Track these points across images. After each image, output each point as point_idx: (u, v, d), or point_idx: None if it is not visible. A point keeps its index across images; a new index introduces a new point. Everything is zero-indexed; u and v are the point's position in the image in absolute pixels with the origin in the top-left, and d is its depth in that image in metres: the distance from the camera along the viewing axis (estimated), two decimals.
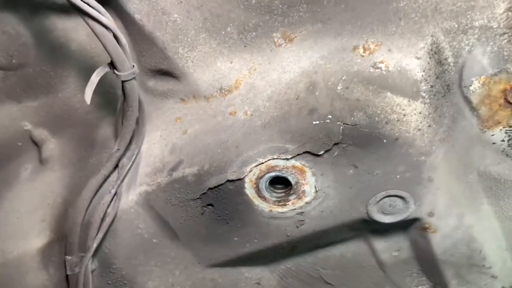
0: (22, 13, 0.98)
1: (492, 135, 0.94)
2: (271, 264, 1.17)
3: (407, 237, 1.07)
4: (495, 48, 0.85)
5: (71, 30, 1.01)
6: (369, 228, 1.05)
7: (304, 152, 0.88)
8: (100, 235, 0.94)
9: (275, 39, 0.96)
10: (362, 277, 1.18)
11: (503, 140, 0.95)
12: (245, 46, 0.97)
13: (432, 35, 0.84)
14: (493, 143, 0.95)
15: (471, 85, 0.88)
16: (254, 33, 0.96)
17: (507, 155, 0.97)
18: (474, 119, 0.93)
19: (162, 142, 0.99)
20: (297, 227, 0.99)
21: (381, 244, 1.10)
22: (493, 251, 1.07)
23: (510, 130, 0.93)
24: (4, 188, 1.19)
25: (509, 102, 0.90)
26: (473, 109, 0.91)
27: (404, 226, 1.03)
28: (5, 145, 1.18)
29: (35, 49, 1.03)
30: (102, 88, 1.09)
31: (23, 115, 1.14)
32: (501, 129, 0.93)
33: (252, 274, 1.17)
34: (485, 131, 0.94)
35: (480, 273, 1.08)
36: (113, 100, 1.09)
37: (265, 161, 0.89)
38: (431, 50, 0.84)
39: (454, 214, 0.98)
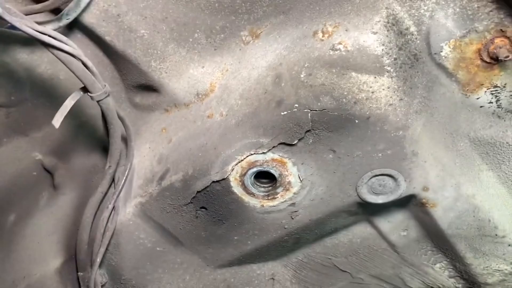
0: (10, 53, 1.05)
1: (478, 98, 0.90)
2: (281, 258, 1.18)
3: (411, 215, 1.05)
4: (457, 9, 0.81)
5: (57, 61, 1.07)
6: (368, 211, 1.03)
7: (279, 144, 0.89)
8: (102, 249, 0.99)
9: (243, 38, 0.98)
10: (376, 261, 1.16)
11: (490, 102, 0.91)
12: (215, 49, 0.99)
13: (386, 7, 0.82)
14: (481, 107, 0.91)
15: (441, 51, 0.85)
16: (222, 35, 0.98)
17: (498, 117, 0.93)
18: (453, 85, 0.89)
19: (151, 153, 1.03)
20: (292, 218, 1.00)
21: (386, 226, 1.08)
22: (505, 219, 1.02)
23: (496, 91, 0.89)
24: (26, 216, 1.28)
25: (486, 62, 0.86)
26: (450, 75, 0.88)
27: (403, 204, 1.00)
28: (22, 176, 1.27)
29: (29, 84, 1.11)
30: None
31: (32, 146, 1.23)
32: (485, 91, 0.89)
33: (264, 270, 1.18)
34: (469, 95, 0.90)
35: (495, 243, 1.03)
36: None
37: (244, 158, 0.91)
38: (388, 22, 0.82)
39: (449, 185, 0.94)
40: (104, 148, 1.15)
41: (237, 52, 0.98)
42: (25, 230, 1.25)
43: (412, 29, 0.84)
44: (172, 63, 0.98)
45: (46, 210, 1.24)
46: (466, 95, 0.90)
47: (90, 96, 0.89)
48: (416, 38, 0.84)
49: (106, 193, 1.03)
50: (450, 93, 0.90)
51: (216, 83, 0.99)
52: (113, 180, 1.03)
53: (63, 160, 1.23)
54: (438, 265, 1.14)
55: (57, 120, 0.83)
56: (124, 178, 1.02)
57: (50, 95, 1.12)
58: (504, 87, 0.88)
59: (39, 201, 1.28)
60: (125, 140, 1.04)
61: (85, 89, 0.89)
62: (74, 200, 1.17)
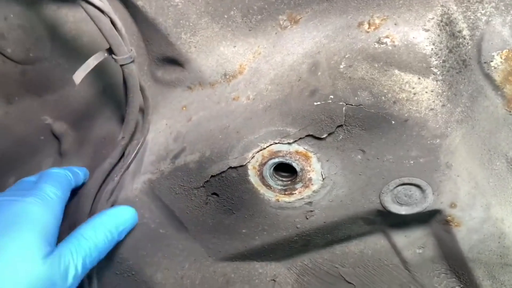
0: (35, 6, 1.00)
1: None
2: (286, 260, 1.12)
3: (430, 233, 0.99)
4: None
5: (82, 22, 1.02)
6: (386, 221, 0.98)
7: (306, 136, 0.83)
8: None
9: (281, 22, 0.93)
10: (385, 276, 1.10)
11: None
12: (249, 30, 0.94)
13: (442, 5, 0.77)
14: None
15: (492, 61, 0.80)
16: (259, 17, 0.93)
17: None
18: (498, 99, 0.84)
19: (168, 130, 0.98)
20: (307, 218, 0.94)
21: (402, 240, 1.02)
22: None
23: None
24: None
25: None
26: (496, 88, 0.83)
27: (425, 219, 0.95)
28: (29, 139, 1.22)
29: (50, 42, 1.06)
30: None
31: (43, 109, 1.18)
32: None
33: (266, 270, 1.12)
34: None
35: None
36: None
37: (267, 146, 0.85)
38: (441, 21, 0.77)
39: (479, 205, 0.88)
40: (118, 119, 1.10)
41: (273, 36, 0.93)
42: None
43: (465, 32, 0.79)
44: (203, 38, 0.93)
45: None
46: (510, 112, 0.85)
47: (114, 59, 0.84)
48: (467, 43, 0.79)
49: (115, 165, 0.97)
50: (493, 107, 0.85)
51: (246, 65, 0.94)
52: (124, 152, 0.98)
53: (74, 128, 1.18)
54: None
55: (78, 76, 0.78)
56: (135, 151, 0.97)
57: (71, 57, 1.07)
58: None
59: (42, 166, 1.23)
60: (142, 111, 0.98)
61: (110, 51, 0.84)
62: None
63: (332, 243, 1.07)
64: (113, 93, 1.11)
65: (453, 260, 1.00)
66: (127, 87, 0.89)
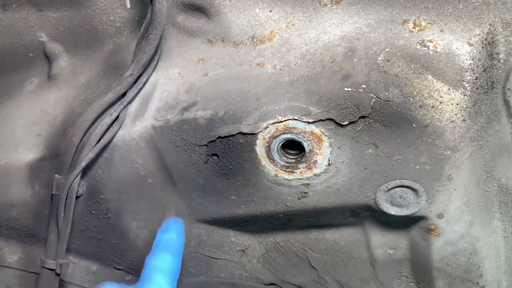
0: None
1: None
2: (259, 233, 1.12)
3: (407, 236, 1.02)
4: None
5: None
6: (371, 218, 1.00)
7: (327, 119, 0.83)
8: (91, 155, 0.88)
9: None
10: (349, 269, 1.14)
11: None
12: None
13: (490, 24, 0.78)
14: None
15: None
16: None
17: None
18: (508, 126, 0.87)
19: (180, 80, 0.94)
20: (299, 198, 0.94)
21: (378, 239, 1.05)
22: (491, 270, 1.02)
23: None
24: (4, 96, 1.14)
25: None
26: (510, 115, 0.86)
27: (408, 223, 0.98)
28: (16, 53, 1.13)
29: None
30: (131, 13, 1.05)
31: (41, 24, 1.09)
32: None
33: (239, 239, 1.12)
34: None
35: None
36: (138, 28, 1.04)
37: (284, 120, 0.84)
38: (486, 39, 0.78)
39: (463, 221, 0.93)
40: (125, 55, 1.04)
41: (310, 10, 0.90)
42: None
43: (501, 56, 0.81)
44: None
45: (31, 98, 1.10)
46: None
47: None
48: (500, 66, 0.81)
49: (115, 101, 0.92)
50: (502, 133, 0.88)
51: (277, 34, 0.91)
52: (128, 89, 0.92)
53: (70, 53, 1.10)
54: None
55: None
56: (137, 90, 0.92)
57: None
58: None
59: (25, 86, 1.14)
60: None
61: None
62: (69, 98, 1.05)
63: (311, 227, 1.08)
64: (124, 27, 1.05)
65: (419, 265, 1.05)
66: (152, 24, 0.84)
